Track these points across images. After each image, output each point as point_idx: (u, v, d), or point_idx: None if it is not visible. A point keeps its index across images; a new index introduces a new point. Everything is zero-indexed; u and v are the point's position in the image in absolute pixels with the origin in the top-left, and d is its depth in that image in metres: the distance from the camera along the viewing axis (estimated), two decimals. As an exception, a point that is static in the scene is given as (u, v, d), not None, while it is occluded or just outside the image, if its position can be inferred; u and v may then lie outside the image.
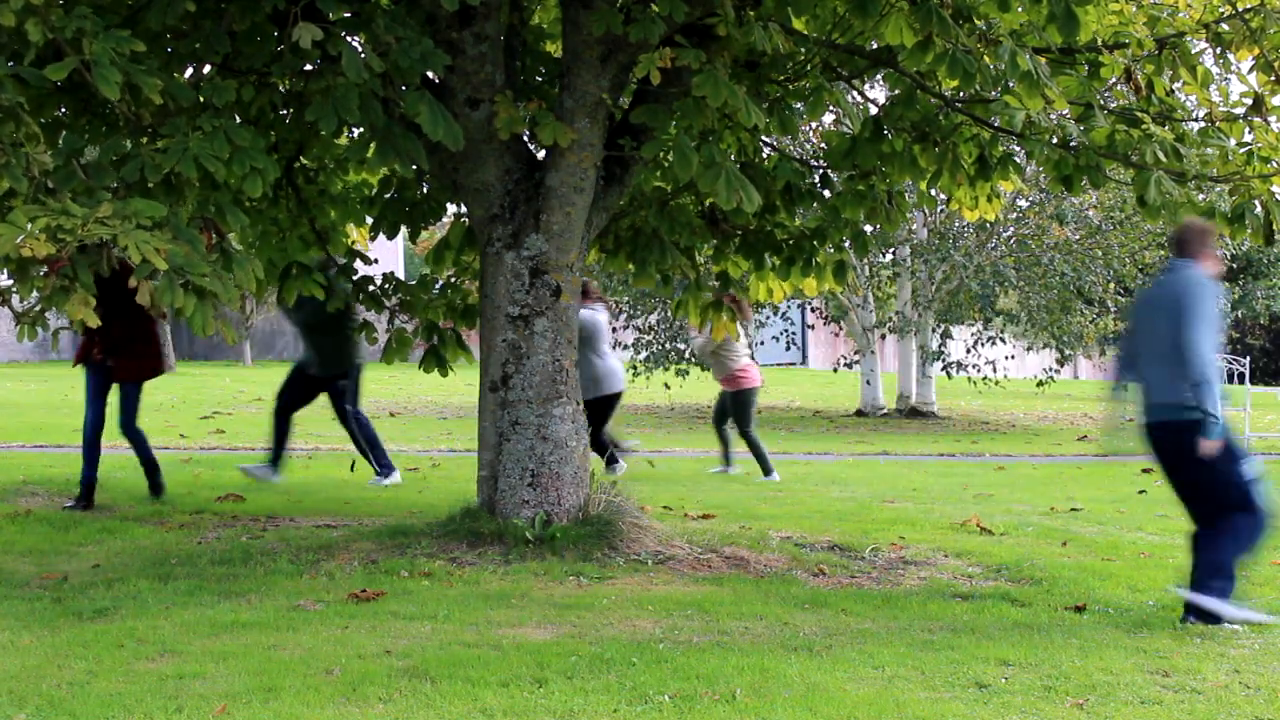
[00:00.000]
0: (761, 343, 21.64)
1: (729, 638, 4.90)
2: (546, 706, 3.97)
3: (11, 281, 5.10)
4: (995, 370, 20.81)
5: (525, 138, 6.86)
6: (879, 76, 7.90)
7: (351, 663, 4.41)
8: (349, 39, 5.68)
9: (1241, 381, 16.98)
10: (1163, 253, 19.27)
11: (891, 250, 19.88)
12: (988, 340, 20.53)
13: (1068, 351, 20.11)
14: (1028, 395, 26.75)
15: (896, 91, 7.24)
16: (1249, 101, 6.65)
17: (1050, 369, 20.40)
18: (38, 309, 5.22)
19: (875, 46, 6.83)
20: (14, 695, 4.01)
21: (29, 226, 4.66)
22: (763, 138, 7.79)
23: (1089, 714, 4.02)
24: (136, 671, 4.30)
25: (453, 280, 8.08)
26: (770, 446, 14.53)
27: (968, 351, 20.52)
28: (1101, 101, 6.84)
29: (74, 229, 4.65)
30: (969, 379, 20.68)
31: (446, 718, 3.88)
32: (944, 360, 20.41)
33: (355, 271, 7.99)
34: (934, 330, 20.25)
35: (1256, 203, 6.61)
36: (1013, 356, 21.70)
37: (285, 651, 4.58)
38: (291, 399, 9.43)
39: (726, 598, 5.63)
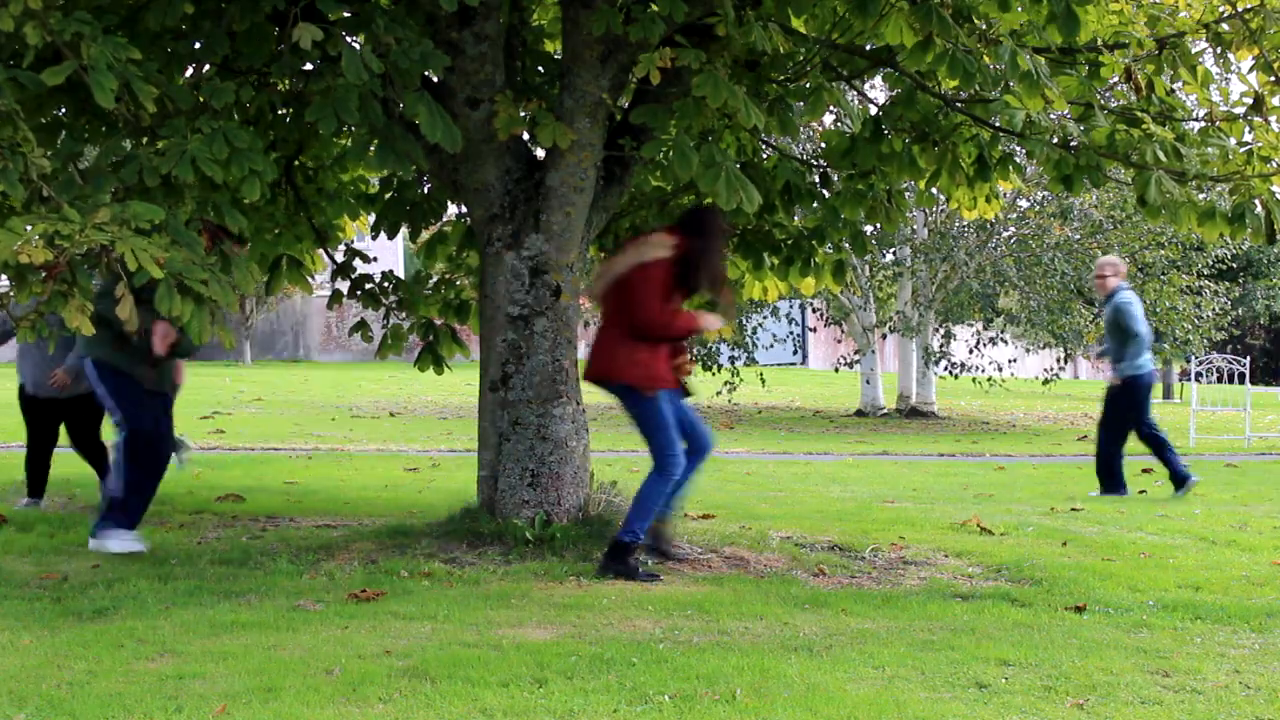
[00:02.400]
0: (770, 346, 21.66)
1: (729, 638, 4.90)
2: (546, 706, 3.97)
3: (9, 285, 5.10)
4: (1000, 370, 20.83)
5: (525, 138, 6.86)
6: (879, 76, 7.91)
7: (351, 663, 4.41)
8: (349, 39, 5.67)
9: (1241, 381, 16.98)
10: (1163, 252, 19.30)
11: (892, 250, 19.91)
12: (989, 341, 20.56)
13: (1069, 350, 20.15)
14: (1028, 395, 26.77)
15: (896, 91, 7.24)
16: (1249, 101, 6.65)
17: (1053, 368, 20.45)
18: (35, 313, 5.22)
19: (875, 46, 6.83)
20: (14, 695, 4.00)
21: (27, 231, 4.65)
22: (762, 137, 7.80)
23: (1089, 714, 4.02)
24: (136, 671, 4.30)
25: (447, 277, 8.10)
26: (771, 446, 14.54)
27: (970, 352, 20.55)
28: (1101, 101, 6.84)
29: (72, 235, 4.65)
30: (974, 379, 20.71)
31: (446, 718, 3.87)
32: (948, 360, 20.45)
33: (354, 270, 8.00)
34: (935, 330, 20.27)
35: (1257, 202, 6.61)
36: (1014, 360, 21.78)
37: (285, 651, 4.57)
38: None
39: (726, 598, 5.63)
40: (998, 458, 13.69)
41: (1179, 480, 9.74)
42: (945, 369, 20.75)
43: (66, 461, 10.77)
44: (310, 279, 8.08)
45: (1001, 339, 20.81)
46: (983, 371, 20.52)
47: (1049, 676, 4.41)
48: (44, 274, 4.84)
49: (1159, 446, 9.82)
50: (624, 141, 6.65)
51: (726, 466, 12.15)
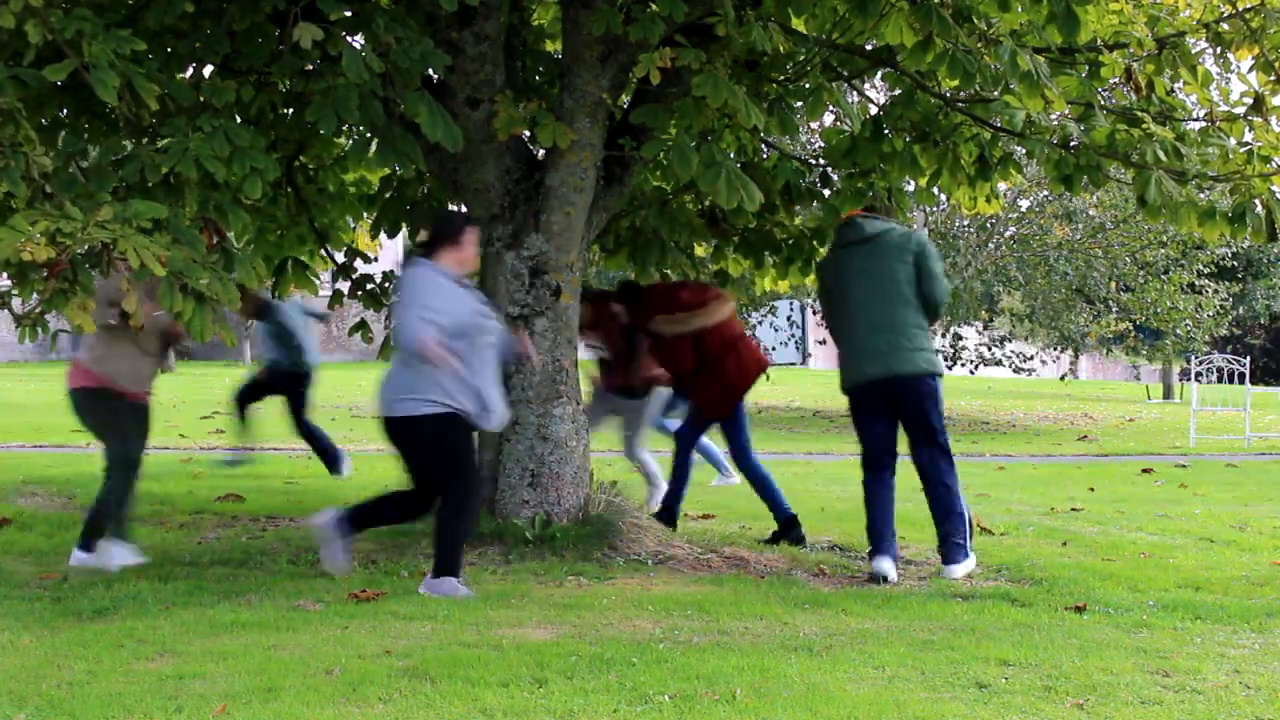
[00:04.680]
0: (773, 348, 21.69)
1: (729, 638, 4.90)
2: (546, 706, 3.96)
3: (11, 284, 5.10)
4: (1026, 360, 20.89)
5: (525, 138, 6.86)
6: (879, 76, 7.91)
7: (351, 663, 4.41)
8: (349, 39, 5.67)
9: (1241, 381, 16.98)
10: (1164, 251, 19.32)
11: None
12: (999, 340, 20.60)
13: (1077, 349, 20.26)
14: (1027, 395, 26.76)
15: (897, 91, 7.25)
16: (1249, 101, 6.65)
17: (1069, 365, 20.69)
18: (38, 311, 5.22)
19: (875, 46, 6.84)
20: (14, 695, 4.00)
21: (30, 229, 4.65)
22: (762, 137, 7.80)
23: (1089, 714, 4.02)
24: (136, 671, 4.30)
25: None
26: (771, 446, 14.54)
27: (989, 349, 20.56)
28: (1101, 101, 6.84)
29: (74, 233, 4.65)
30: (1004, 368, 20.77)
31: (446, 718, 3.87)
32: (962, 361, 20.47)
33: (355, 270, 8.01)
34: (940, 333, 20.27)
35: (1257, 202, 6.61)
36: (1033, 356, 21.86)
37: (285, 651, 4.57)
38: None
39: (726, 598, 5.63)
40: (998, 458, 13.69)
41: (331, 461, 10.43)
42: (968, 368, 20.75)
43: (67, 462, 10.78)
44: (315, 279, 8.09)
45: (1005, 339, 20.84)
46: (1012, 366, 20.56)
47: (1049, 676, 4.41)
48: (46, 272, 4.84)
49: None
50: (624, 141, 6.65)
51: (727, 466, 12.12)
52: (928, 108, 7.01)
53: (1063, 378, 21.20)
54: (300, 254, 7.98)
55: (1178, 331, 20.05)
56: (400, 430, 5.56)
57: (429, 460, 5.61)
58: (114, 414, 6.24)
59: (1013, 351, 20.62)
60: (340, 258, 8.04)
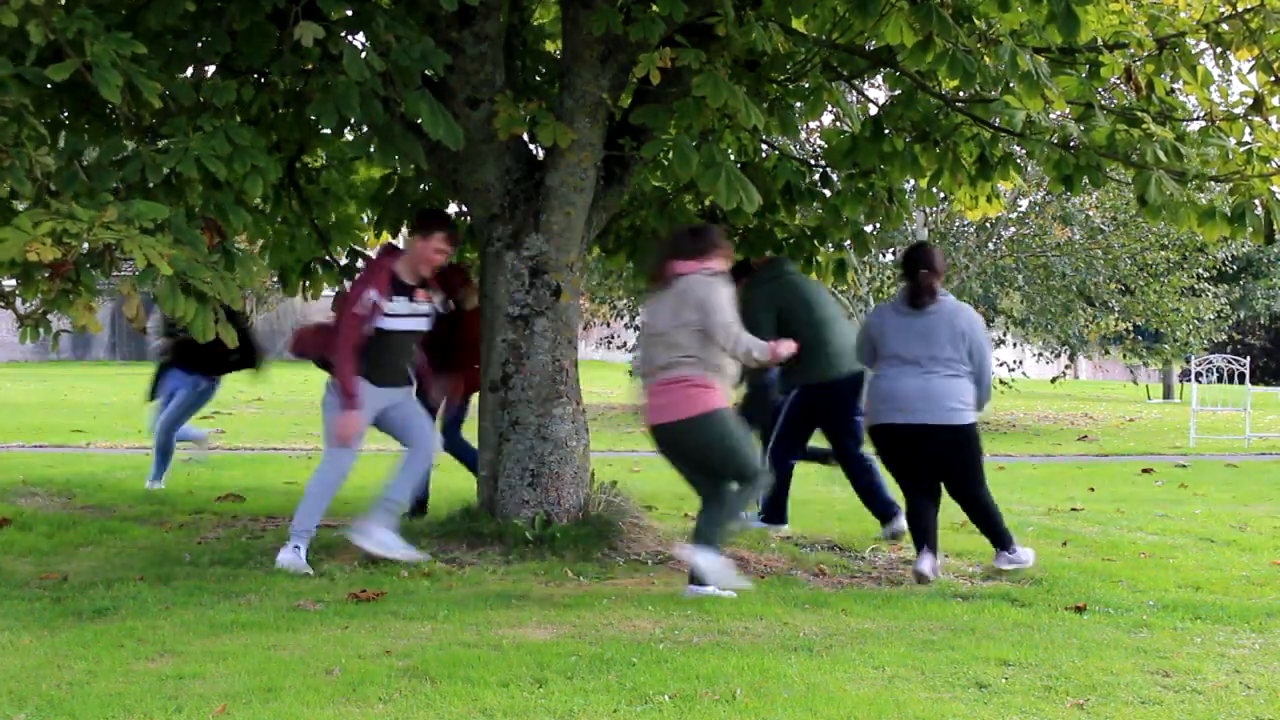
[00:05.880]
0: None
1: (729, 638, 4.90)
2: (546, 706, 3.97)
3: (15, 284, 5.09)
4: (1010, 370, 20.88)
5: (525, 138, 6.86)
6: (879, 76, 7.91)
7: (351, 663, 4.41)
8: (349, 38, 5.68)
9: (1241, 381, 16.98)
10: (1165, 253, 19.31)
11: (892, 250, 19.90)
12: (997, 342, 20.61)
13: (1074, 351, 20.25)
14: (1027, 395, 26.75)
15: (897, 91, 7.25)
16: (1249, 101, 6.65)
17: (1064, 367, 20.69)
18: (41, 311, 5.21)
19: (875, 46, 6.84)
20: (14, 695, 4.00)
21: (34, 229, 4.65)
22: (762, 137, 7.80)
23: (1089, 714, 4.02)
24: (136, 671, 4.30)
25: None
26: (770, 446, 14.54)
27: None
28: (1101, 101, 6.84)
29: (79, 233, 4.65)
30: (999, 380, 20.77)
31: (446, 718, 3.87)
32: None
33: (357, 270, 8.00)
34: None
35: (1257, 202, 6.61)
36: (1021, 362, 21.83)
37: (285, 651, 4.57)
38: None
39: (726, 598, 5.62)
40: (998, 458, 13.69)
41: None
42: None
43: (67, 462, 10.79)
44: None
45: (1002, 341, 20.83)
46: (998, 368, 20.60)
47: (1049, 676, 4.41)
48: (50, 272, 4.84)
49: None
50: (624, 141, 6.65)
51: (726, 466, 12.11)
52: (928, 108, 7.01)
53: (1054, 380, 21.17)
54: (320, 256, 7.98)
55: (1176, 334, 20.06)
56: (968, 436, 6.28)
57: (978, 461, 6.43)
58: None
59: (1001, 363, 20.64)
60: (344, 259, 8.03)
